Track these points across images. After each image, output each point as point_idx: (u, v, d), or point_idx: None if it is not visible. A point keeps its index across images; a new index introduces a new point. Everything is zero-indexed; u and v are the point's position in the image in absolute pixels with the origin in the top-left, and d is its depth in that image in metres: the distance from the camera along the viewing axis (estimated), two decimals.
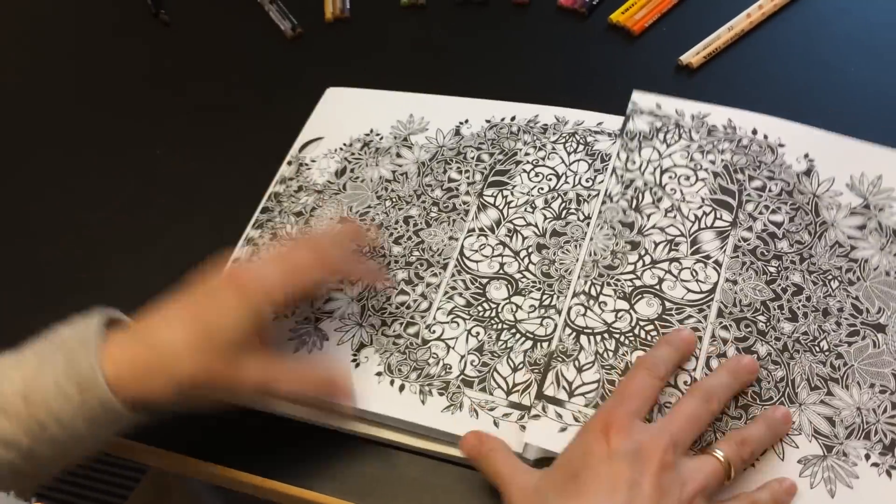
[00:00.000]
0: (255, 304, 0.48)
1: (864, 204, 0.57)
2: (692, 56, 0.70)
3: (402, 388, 0.54)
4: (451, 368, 0.54)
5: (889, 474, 0.48)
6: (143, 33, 0.83)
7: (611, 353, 0.52)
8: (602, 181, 0.61)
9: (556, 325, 0.55)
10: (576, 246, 0.58)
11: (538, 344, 0.54)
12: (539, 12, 0.77)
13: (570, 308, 0.55)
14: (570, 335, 0.53)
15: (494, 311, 0.57)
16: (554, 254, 0.58)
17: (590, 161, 0.62)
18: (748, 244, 0.56)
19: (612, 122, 0.64)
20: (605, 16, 0.74)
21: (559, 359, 0.53)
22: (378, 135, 0.68)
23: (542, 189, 0.62)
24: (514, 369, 0.54)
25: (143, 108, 0.77)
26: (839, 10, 0.72)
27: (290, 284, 0.50)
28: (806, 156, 0.59)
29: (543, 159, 0.63)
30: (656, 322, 0.53)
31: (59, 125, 0.77)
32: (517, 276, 0.58)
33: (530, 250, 0.59)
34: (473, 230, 0.61)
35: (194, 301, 0.48)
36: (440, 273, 0.59)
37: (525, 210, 0.61)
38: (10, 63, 0.84)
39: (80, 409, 0.45)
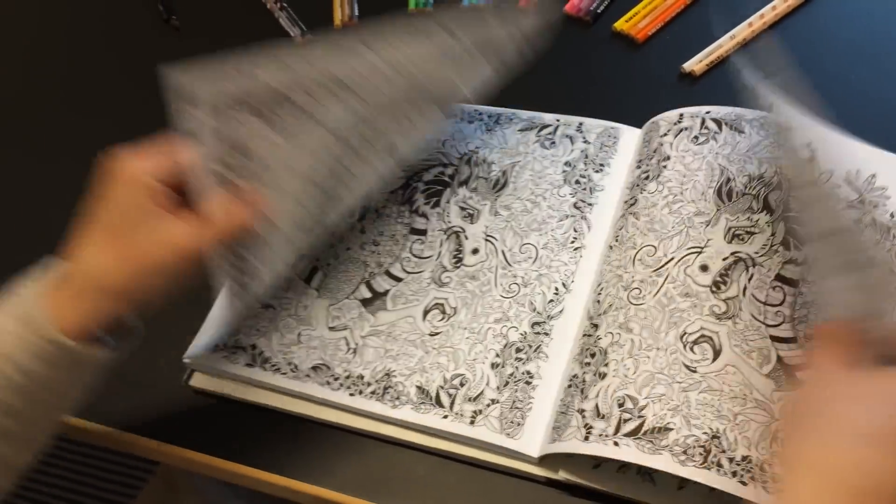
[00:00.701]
0: (136, 185, 0.48)
1: (859, 199, 0.58)
2: (695, 64, 0.71)
3: None
4: None
5: None
6: (155, 38, 0.84)
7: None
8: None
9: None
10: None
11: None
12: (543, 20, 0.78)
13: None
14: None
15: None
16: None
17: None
18: None
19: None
20: (610, 24, 0.75)
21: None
22: None
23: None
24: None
25: (154, 112, 0.78)
26: (841, 20, 0.73)
27: (159, 163, 0.50)
28: (808, 145, 0.59)
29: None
30: None
31: (69, 129, 0.78)
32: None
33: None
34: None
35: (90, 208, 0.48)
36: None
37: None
38: (23, 67, 0.85)
39: (32, 348, 0.45)
